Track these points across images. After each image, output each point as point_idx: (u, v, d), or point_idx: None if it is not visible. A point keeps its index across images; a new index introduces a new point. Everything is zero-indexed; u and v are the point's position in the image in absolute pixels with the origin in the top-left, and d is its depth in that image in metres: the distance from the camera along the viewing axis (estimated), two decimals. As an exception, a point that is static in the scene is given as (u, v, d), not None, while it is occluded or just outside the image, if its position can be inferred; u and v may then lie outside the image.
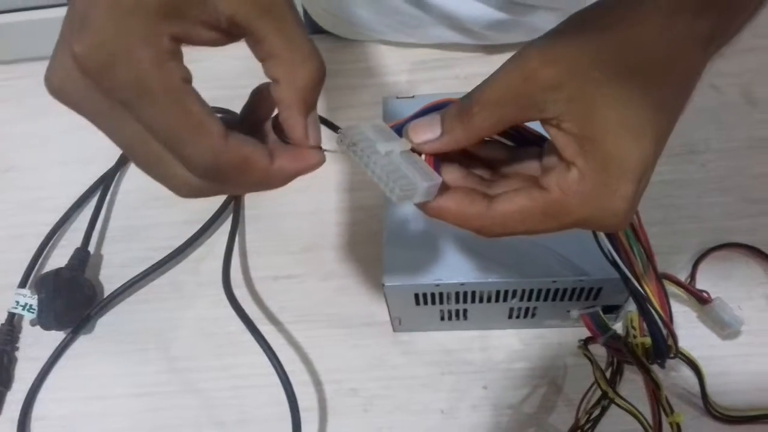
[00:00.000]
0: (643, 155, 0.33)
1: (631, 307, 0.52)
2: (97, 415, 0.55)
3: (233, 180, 0.32)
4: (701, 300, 0.54)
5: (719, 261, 0.56)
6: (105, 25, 0.28)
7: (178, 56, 0.30)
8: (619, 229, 0.36)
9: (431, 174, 0.35)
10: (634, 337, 0.52)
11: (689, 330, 0.54)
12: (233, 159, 0.31)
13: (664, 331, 0.46)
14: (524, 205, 0.35)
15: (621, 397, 0.48)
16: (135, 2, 0.28)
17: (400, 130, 0.37)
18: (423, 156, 0.36)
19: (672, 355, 0.49)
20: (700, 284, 0.55)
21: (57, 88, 0.30)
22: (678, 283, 0.54)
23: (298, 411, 0.51)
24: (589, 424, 0.50)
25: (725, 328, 0.53)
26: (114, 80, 0.29)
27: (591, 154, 0.33)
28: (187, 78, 0.30)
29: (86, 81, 0.29)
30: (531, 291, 0.49)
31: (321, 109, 0.65)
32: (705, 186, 0.59)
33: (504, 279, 0.47)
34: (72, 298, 0.58)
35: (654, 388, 0.48)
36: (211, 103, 0.32)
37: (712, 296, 0.53)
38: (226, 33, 0.31)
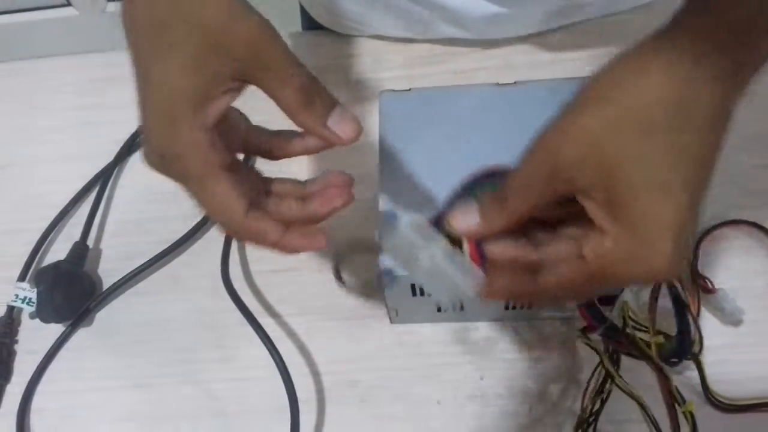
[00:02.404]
0: (677, 208, 0.33)
1: (626, 296, 0.53)
2: (96, 407, 0.56)
3: (252, 244, 0.40)
4: (705, 290, 0.54)
5: (721, 241, 0.56)
6: (156, 136, 0.37)
7: (212, 140, 0.37)
8: (673, 277, 0.36)
9: (475, 271, 0.37)
10: (634, 329, 0.52)
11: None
12: (250, 232, 0.38)
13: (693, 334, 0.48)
14: (568, 277, 0.36)
15: (624, 381, 0.49)
16: (174, 109, 0.36)
17: (437, 219, 0.38)
18: (465, 243, 0.37)
19: (689, 357, 0.50)
20: (702, 264, 0.55)
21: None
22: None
23: (296, 402, 0.51)
24: (594, 413, 0.50)
25: (726, 317, 0.54)
26: (167, 173, 0.39)
27: (622, 219, 0.33)
28: (223, 162, 0.37)
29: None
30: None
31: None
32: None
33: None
34: (71, 291, 0.58)
35: (663, 379, 0.48)
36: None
37: (716, 284, 0.54)
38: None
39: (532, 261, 0.37)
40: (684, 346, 0.50)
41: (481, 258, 0.38)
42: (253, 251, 0.60)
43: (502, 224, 0.36)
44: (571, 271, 0.36)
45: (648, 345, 0.50)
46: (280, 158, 0.42)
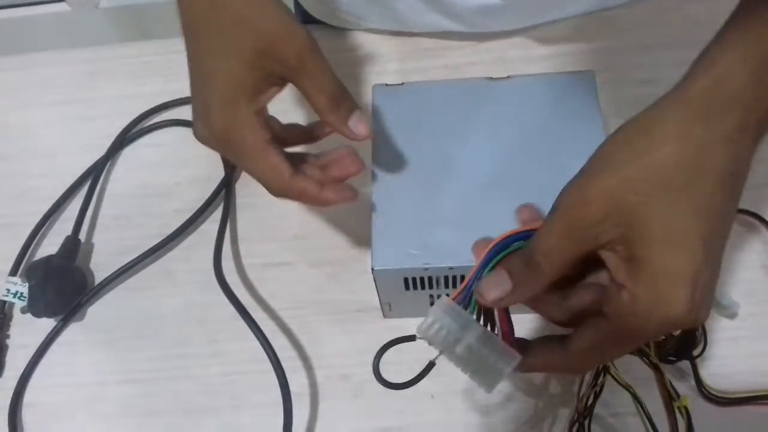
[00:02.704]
0: (691, 258, 0.34)
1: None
2: (88, 401, 0.56)
3: (296, 200, 0.48)
4: None
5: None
6: (218, 116, 0.45)
7: (263, 122, 0.46)
8: (697, 324, 0.36)
9: (511, 354, 0.39)
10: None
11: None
12: (294, 190, 0.47)
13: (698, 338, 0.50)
14: (595, 339, 0.38)
15: (617, 371, 0.49)
16: (236, 96, 0.45)
17: (467, 294, 0.39)
18: (496, 313, 0.39)
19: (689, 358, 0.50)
20: None
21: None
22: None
23: (289, 396, 0.51)
24: (589, 407, 0.50)
25: (722, 311, 0.54)
26: (222, 148, 0.47)
27: (638, 274, 0.35)
28: (271, 138, 0.46)
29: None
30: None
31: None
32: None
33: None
34: (62, 285, 0.58)
35: (657, 375, 0.49)
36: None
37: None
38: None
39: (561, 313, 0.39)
40: (687, 347, 0.50)
41: (508, 324, 0.40)
42: (245, 245, 0.60)
43: (537, 289, 0.38)
44: (597, 333, 0.37)
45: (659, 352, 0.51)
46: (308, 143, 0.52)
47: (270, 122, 0.48)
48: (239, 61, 0.44)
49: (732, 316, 0.54)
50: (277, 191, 0.47)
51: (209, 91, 0.45)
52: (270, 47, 0.44)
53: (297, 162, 0.48)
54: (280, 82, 0.46)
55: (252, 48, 0.44)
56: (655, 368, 0.50)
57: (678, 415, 0.50)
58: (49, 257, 0.59)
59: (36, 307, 0.56)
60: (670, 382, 0.50)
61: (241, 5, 0.44)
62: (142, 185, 0.64)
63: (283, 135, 0.50)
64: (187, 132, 0.66)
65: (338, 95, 0.46)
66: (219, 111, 0.45)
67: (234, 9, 0.44)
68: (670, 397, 0.50)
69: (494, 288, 0.38)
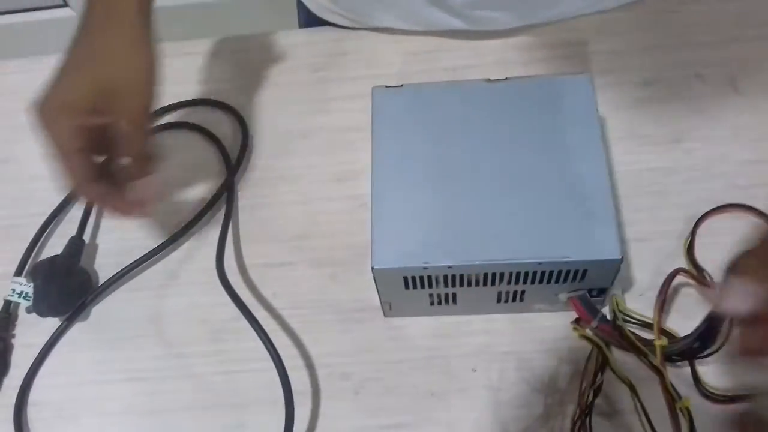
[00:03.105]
0: None
1: (615, 290, 0.53)
2: (92, 400, 0.56)
3: (96, 202, 0.58)
4: (702, 284, 0.54)
5: (711, 232, 0.57)
6: (47, 101, 0.50)
7: (81, 132, 0.49)
8: None
9: None
10: (625, 321, 0.53)
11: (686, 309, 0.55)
12: (91, 195, 0.52)
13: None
14: None
15: (618, 365, 0.50)
16: (66, 100, 0.49)
17: None
18: None
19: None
20: (698, 249, 0.56)
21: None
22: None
23: (291, 394, 0.52)
24: (588, 405, 0.51)
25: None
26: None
27: None
28: (79, 147, 0.49)
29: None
30: (518, 274, 0.50)
31: (317, 100, 0.66)
32: (691, 173, 0.60)
33: (491, 261, 0.48)
34: (67, 285, 0.58)
35: (658, 375, 0.49)
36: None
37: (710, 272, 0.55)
38: None
39: None
40: (699, 350, 0.51)
41: None
42: (247, 246, 0.61)
43: None
44: None
45: (640, 339, 0.51)
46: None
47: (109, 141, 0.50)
48: (83, 81, 0.49)
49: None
50: (80, 190, 0.51)
51: (60, 79, 0.50)
52: (112, 95, 0.48)
53: (106, 174, 0.51)
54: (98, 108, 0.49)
55: (96, 81, 0.49)
56: (657, 371, 0.50)
57: (680, 415, 0.50)
58: (54, 257, 0.59)
59: (41, 306, 0.57)
60: (671, 384, 0.50)
61: (117, 36, 0.49)
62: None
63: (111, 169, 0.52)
64: (190, 134, 0.67)
65: (144, 163, 0.51)
66: (52, 101, 0.49)
67: (109, 37, 0.49)
68: (672, 399, 0.50)
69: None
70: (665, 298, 0.52)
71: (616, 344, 0.53)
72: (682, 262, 0.56)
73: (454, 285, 0.51)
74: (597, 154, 0.51)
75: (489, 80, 0.55)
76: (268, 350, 0.53)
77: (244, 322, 0.55)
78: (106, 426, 0.56)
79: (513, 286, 0.51)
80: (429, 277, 0.50)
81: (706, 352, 0.51)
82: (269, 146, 0.65)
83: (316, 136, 0.65)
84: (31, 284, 0.57)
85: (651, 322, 0.52)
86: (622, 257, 0.47)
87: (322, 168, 0.64)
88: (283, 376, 0.52)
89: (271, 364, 0.53)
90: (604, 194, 0.50)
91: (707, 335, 0.50)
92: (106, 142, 0.51)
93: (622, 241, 0.53)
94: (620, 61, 0.65)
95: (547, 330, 0.55)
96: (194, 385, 0.56)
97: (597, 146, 0.52)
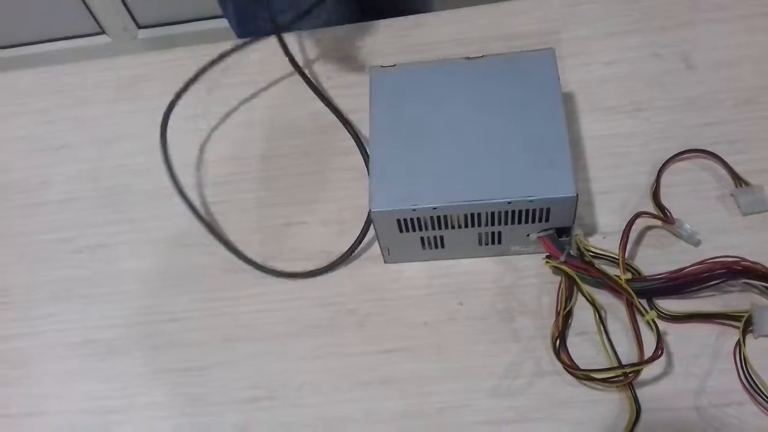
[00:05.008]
0: None
1: (577, 231, 0.63)
2: (140, 337, 0.67)
3: None
4: (665, 221, 0.63)
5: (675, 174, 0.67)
6: None
7: None
8: None
9: None
10: (593, 257, 0.62)
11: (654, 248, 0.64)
12: None
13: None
14: None
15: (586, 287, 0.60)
16: None
17: None
18: None
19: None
20: (664, 195, 0.65)
21: None
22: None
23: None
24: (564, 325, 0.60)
25: (686, 241, 0.63)
26: None
27: None
28: None
29: None
30: (492, 214, 0.59)
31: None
32: (650, 136, 0.69)
33: (469, 202, 0.58)
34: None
35: (627, 296, 0.59)
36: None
37: (674, 215, 0.64)
38: None
39: None
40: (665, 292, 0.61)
41: None
42: (269, 209, 0.71)
43: None
44: None
45: (604, 276, 0.60)
46: None
47: None
48: None
49: (696, 243, 0.63)
50: None
51: None
52: None
53: None
54: None
55: None
56: (623, 290, 0.59)
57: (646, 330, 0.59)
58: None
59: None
60: (639, 302, 0.59)
61: None
62: (182, 164, 0.75)
63: None
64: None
65: None
66: None
67: None
68: (638, 313, 0.59)
69: None
70: (628, 234, 0.61)
71: (586, 277, 0.62)
72: (647, 208, 0.65)
73: (440, 227, 0.61)
74: (558, 115, 0.61)
75: (468, 58, 0.65)
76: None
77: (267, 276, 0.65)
78: (153, 359, 0.66)
79: (490, 227, 0.61)
80: (418, 219, 0.60)
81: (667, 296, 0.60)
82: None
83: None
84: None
85: (616, 257, 0.61)
86: (577, 195, 0.57)
87: (328, 143, 0.74)
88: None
89: (292, 304, 0.63)
90: (562, 147, 0.59)
91: (674, 285, 0.59)
92: None
93: (577, 183, 0.60)
94: (587, 46, 0.75)
95: (524, 268, 0.64)
96: (226, 322, 0.66)
97: (558, 109, 0.61)
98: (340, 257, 0.66)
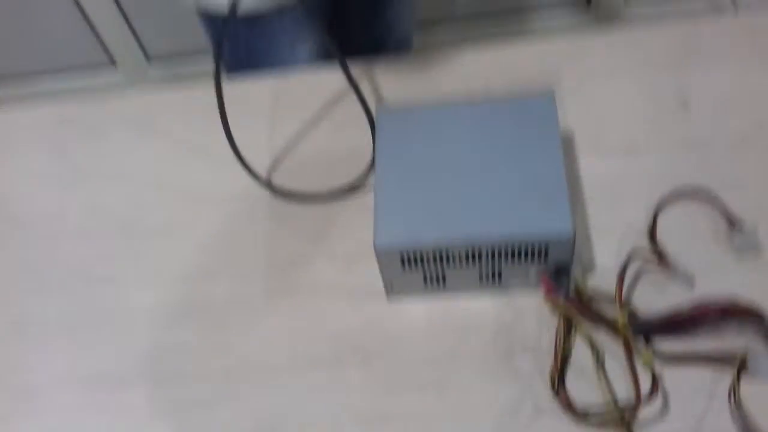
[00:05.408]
0: None
1: (575, 270, 0.64)
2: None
3: None
4: (661, 263, 0.65)
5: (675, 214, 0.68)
6: None
7: None
8: None
9: None
10: (591, 298, 0.64)
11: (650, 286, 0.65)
12: None
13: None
14: None
15: (585, 327, 0.61)
16: None
17: None
18: None
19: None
20: (661, 234, 0.67)
21: None
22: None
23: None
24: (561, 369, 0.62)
25: (680, 283, 0.65)
26: None
27: None
28: None
29: None
30: (493, 251, 0.61)
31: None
32: (647, 176, 0.71)
33: (470, 237, 0.60)
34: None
35: (624, 338, 0.60)
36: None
37: (671, 254, 0.66)
38: None
39: None
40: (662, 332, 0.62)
41: None
42: (283, 243, 0.73)
43: None
44: None
45: (602, 316, 0.62)
46: None
47: None
48: None
49: (692, 284, 0.64)
50: None
51: None
52: None
53: None
54: None
55: None
56: (624, 336, 0.61)
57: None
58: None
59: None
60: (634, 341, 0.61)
61: None
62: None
63: None
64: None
65: None
66: None
67: None
68: (633, 354, 0.61)
69: None
70: (623, 278, 0.63)
71: (584, 317, 0.63)
72: (644, 246, 0.66)
73: (442, 263, 0.63)
74: (556, 158, 0.63)
75: (470, 101, 0.68)
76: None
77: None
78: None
79: (490, 264, 0.63)
80: (421, 255, 0.62)
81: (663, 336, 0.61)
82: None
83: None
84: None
85: (613, 297, 0.62)
86: (575, 232, 0.59)
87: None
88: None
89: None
90: (560, 186, 0.61)
91: (670, 325, 0.61)
92: None
93: (575, 221, 0.62)
94: (587, 86, 0.77)
95: (525, 306, 0.66)
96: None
97: (557, 151, 0.63)
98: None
